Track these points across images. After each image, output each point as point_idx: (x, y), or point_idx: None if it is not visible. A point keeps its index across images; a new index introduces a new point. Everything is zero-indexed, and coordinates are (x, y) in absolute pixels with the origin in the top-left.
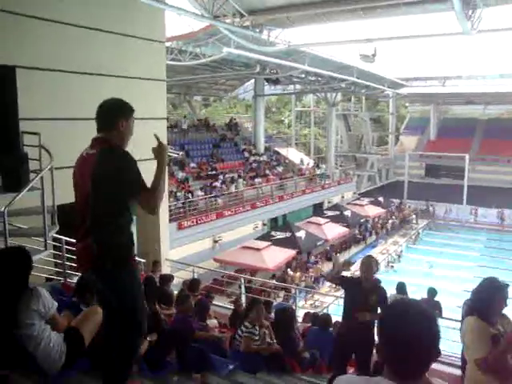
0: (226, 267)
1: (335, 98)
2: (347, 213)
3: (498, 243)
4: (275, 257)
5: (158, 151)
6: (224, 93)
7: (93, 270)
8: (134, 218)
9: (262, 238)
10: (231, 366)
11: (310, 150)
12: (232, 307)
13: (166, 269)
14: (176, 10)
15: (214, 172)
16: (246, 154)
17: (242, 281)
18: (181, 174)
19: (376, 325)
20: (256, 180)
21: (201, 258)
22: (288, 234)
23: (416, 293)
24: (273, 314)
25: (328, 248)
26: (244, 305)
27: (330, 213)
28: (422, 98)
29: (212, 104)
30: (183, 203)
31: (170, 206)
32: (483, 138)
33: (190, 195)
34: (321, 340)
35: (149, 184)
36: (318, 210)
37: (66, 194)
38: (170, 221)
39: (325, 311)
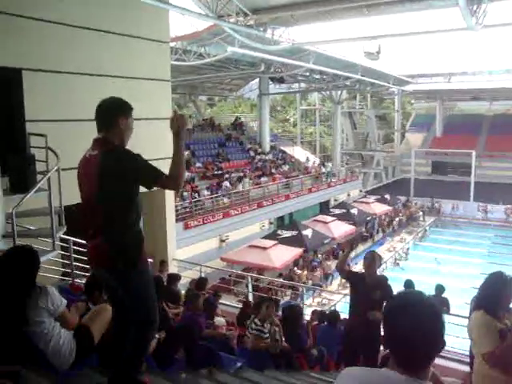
0: (233, 266)
1: (340, 96)
2: (354, 211)
3: (506, 240)
4: (282, 255)
5: (177, 118)
6: (229, 92)
7: (105, 268)
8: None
9: (269, 236)
10: (239, 364)
11: (315, 148)
12: (239, 306)
13: (172, 268)
14: (180, 10)
15: (219, 171)
16: (252, 153)
17: (249, 279)
18: (187, 174)
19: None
20: (262, 179)
21: (208, 257)
22: (295, 233)
23: (424, 290)
24: (280, 312)
25: (335, 246)
26: (252, 304)
27: (336, 211)
28: (427, 95)
29: (217, 104)
30: (189, 203)
31: (176, 206)
32: (489, 134)
33: (196, 195)
34: (329, 337)
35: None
36: (324, 208)
37: (73, 195)
38: (177, 221)
39: (332, 309)
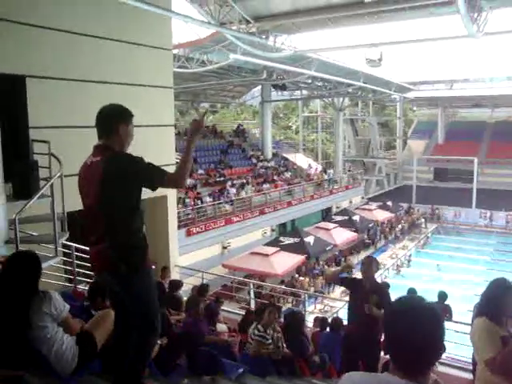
0: (235, 273)
1: (342, 103)
2: (356, 218)
3: (509, 246)
4: (284, 262)
5: (199, 123)
6: (231, 99)
7: (109, 273)
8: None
9: (271, 243)
10: (241, 370)
11: (317, 155)
12: (241, 312)
13: (174, 275)
14: (183, 17)
15: (222, 178)
16: (254, 160)
17: (251, 286)
18: (189, 181)
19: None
20: (264, 186)
21: (210, 264)
22: (297, 240)
23: (426, 297)
24: (282, 319)
25: (337, 253)
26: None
27: (338, 218)
28: (429, 102)
29: (219, 111)
30: (192, 210)
31: (178, 213)
32: (491, 140)
33: (199, 202)
34: (331, 343)
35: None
36: (326, 215)
37: (76, 201)
38: (179, 227)
39: (335, 316)
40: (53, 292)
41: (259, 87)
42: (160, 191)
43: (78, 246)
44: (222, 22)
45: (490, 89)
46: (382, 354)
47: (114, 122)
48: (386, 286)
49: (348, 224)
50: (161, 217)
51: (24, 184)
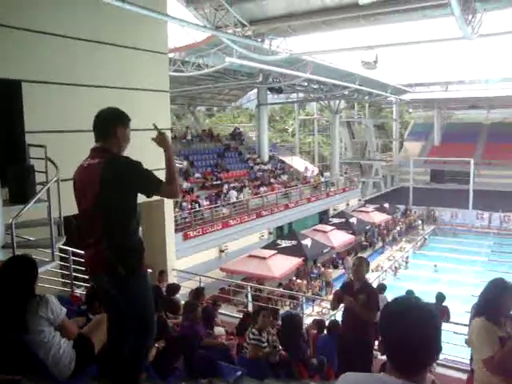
0: (233, 276)
1: (338, 106)
2: (353, 220)
3: (506, 247)
4: (281, 265)
5: (160, 138)
6: (227, 103)
7: (105, 275)
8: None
9: (268, 246)
10: (239, 373)
11: (314, 157)
12: (239, 316)
13: (172, 279)
14: (178, 21)
15: (218, 182)
16: (251, 163)
17: (249, 289)
18: (186, 184)
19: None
20: (261, 189)
21: (207, 267)
22: (294, 242)
23: (424, 298)
24: (280, 322)
25: (334, 255)
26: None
27: (335, 220)
28: (425, 104)
29: (216, 114)
30: (189, 213)
31: (175, 217)
32: (487, 142)
33: (196, 205)
34: (328, 346)
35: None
36: (323, 217)
37: (72, 206)
38: (176, 231)
39: (332, 318)
40: (49, 296)
41: (255, 90)
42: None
43: (74, 250)
44: (218, 25)
45: (485, 90)
46: (379, 355)
47: (111, 124)
48: (383, 287)
49: (345, 226)
50: (157, 221)
51: (20, 188)
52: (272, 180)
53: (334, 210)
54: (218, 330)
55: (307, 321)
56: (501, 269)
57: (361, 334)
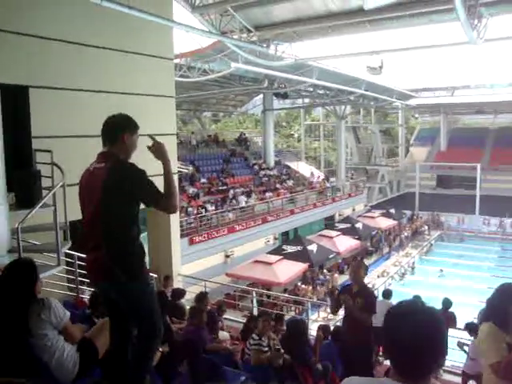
0: (238, 282)
1: (344, 111)
2: (358, 225)
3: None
4: (287, 271)
5: (156, 148)
6: (233, 108)
7: (107, 281)
8: (145, 233)
9: (274, 251)
10: (243, 378)
11: (320, 163)
12: (244, 321)
13: (177, 284)
14: (184, 27)
15: (224, 187)
16: (256, 169)
17: (254, 295)
18: (191, 190)
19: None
20: (267, 194)
21: (213, 272)
22: (299, 248)
23: (429, 304)
24: (285, 327)
25: (340, 261)
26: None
27: (341, 225)
28: (431, 109)
29: (222, 119)
30: (195, 218)
31: (181, 222)
32: (494, 147)
33: (203, 210)
34: (333, 352)
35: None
36: (329, 223)
37: (78, 211)
38: (182, 236)
39: (337, 324)
40: (52, 299)
41: (261, 96)
42: None
43: (80, 255)
44: (223, 31)
45: (491, 95)
46: (382, 360)
47: (119, 130)
48: (389, 293)
49: (351, 232)
50: (163, 225)
51: (27, 193)
52: (278, 185)
53: (340, 215)
54: (223, 335)
55: (312, 326)
56: (508, 274)
57: (361, 339)
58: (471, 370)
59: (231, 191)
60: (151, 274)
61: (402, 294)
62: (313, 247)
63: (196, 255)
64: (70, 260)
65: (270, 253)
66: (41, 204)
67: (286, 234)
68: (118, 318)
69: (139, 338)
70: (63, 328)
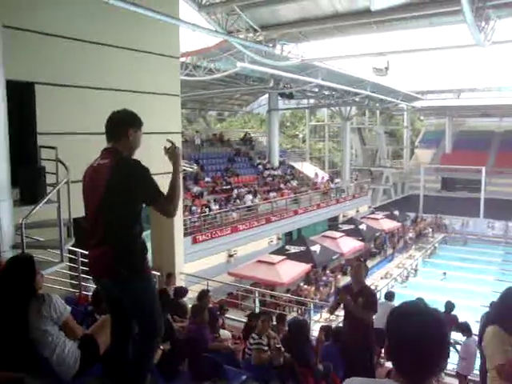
0: (241, 281)
1: (349, 112)
2: (362, 227)
3: None
4: (290, 271)
5: (172, 151)
6: (238, 107)
7: (109, 278)
8: (148, 231)
9: (277, 252)
10: (244, 377)
11: (324, 164)
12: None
13: (180, 282)
14: (190, 26)
15: (228, 186)
16: (261, 169)
17: (257, 294)
18: (196, 189)
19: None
20: (271, 194)
21: (216, 272)
22: (303, 248)
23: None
24: (287, 327)
25: (343, 262)
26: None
27: (345, 227)
28: (436, 111)
29: (227, 119)
30: (198, 217)
31: (184, 221)
32: (499, 150)
33: (207, 210)
34: (334, 353)
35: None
36: (332, 223)
37: (82, 207)
38: (185, 235)
39: (340, 325)
40: (53, 295)
41: (266, 96)
42: None
43: (83, 251)
44: (230, 30)
45: (498, 98)
46: (383, 361)
47: (123, 126)
48: (391, 295)
49: (355, 233)
50: (167, 224)
51: (31, 189)
52: (282, 185)
53: (344, 216)
54: (224, 334)
55: (315, 327)
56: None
57: (362, 339)
58: (464, 370)
59: (235, 191)
60: (154, 272)
61: (404, 296)
62: (316, 248)
63: (199, 254)
64: (72, 256)
65: (273, 253)
66: (45, 200)
67: (289, 234)
68: (119, 315)
69: (140, 335)
70: (63, 323)
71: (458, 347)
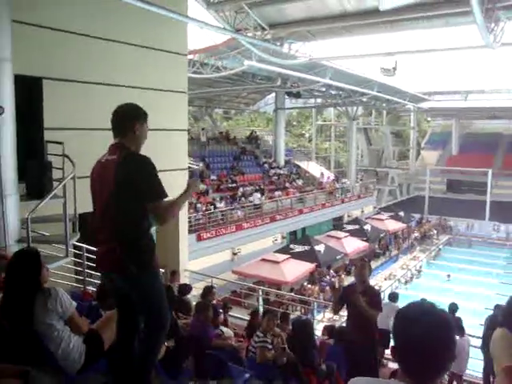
0: (245, 279)
1: (356, 112)
2: (367, 227)
3: None
4: (294, 270)
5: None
6: (245, 106)
7: (117, 273)
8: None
9: (281, 250)
10: (247, 375)
11: (330, 163)
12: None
13: (184, 279)
14: (199, 23)
15: (234, 184)
16: (266, 167)
17: (260, 293)
18: (201, 186)
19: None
20: (276, 193)
21: (220, 269)
22: (307, 248)
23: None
24: (290, 326)
25: (347, 262)
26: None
27: (349, 227)
28: (443, 113)
29: (233, 117)
30: (203, 215)
31: (189, 218)
32: (507, 152)
33: (212, 207)
34: (338, 352)
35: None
36: (337, 223)
37: (88, 203)
38: (190, 232)
39: (342, 325)
40: (59, 289)
41: (273, 94)
42: (171, 195)
43: (88, 247)
44: (238, 28)
45: (506, 100)
46: (386, 362)
47: (129, 120)
48: (395, 296)
49: (359, 233)
50: (172, 221)
51: (37, 184)
52: (287, 184)
53: (349, 216)
54: (227, 332)
55: (318, 327)
56: None
57: (366, 340)
58: (455, 367)
59: (240, 189)
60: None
61: (408, 297)
62: (320, 247)
63: (203, 251)
64: (78, 252)
65: (278, 252)
66: (51, 195)
67: (293, 233)
68: (127, 310)
69: (147, 331)
70: (69, 318)
71: None
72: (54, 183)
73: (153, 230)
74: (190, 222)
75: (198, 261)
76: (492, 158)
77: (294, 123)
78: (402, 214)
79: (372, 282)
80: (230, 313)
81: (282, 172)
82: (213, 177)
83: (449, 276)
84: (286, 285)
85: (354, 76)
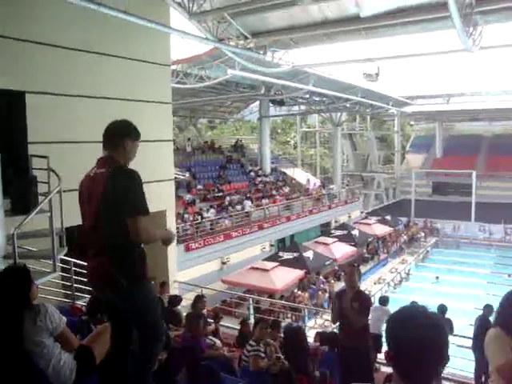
0: (235, 289)
1: (340, 118)
2: (355, 232)
3: (508, 259)
4: (283, 277)
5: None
6: (229, 115)
7: (109, 288)
8: None
9: (270, 258)
10: None
11: (316, 169)
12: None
13: (173, 290)
14: (181, 33)
15: (220, 194)
16: (253, 175)
17: (251, 301)
18: (188, 196)
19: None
20: (263, 201)
21: (209, 279)
22: (296, 255)
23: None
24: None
25: (336, 268)
26: (251, 325)
27: (337, 232)
28: (426, 116)
29: (218, 126)
30: (191, 225)
31: (177, 228)
32: (489, 154)
33: (199, 217)
34: (331, 358)
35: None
36: (325, 229)
37: (74, 217)
38: (178, 243)
39: (333, 331)
40: (49, 305)
41: (257, 103)
42: (158, 206)
43: (76, 261)
44: (220, 37)
45: (486, 102)
46: (381, 366)
47: (121, 135)
48: (385, 299)
49: (347, 238)
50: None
51: (23, 199)
52: (274, 192)
53: (336, 222)
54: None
55: (310, 333)
56: (503, 281)
57: (359, 345)
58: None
59: (227, 198)
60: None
61: (397, 300)
62: (309, 254)
63: (192, 262)
64: (65, 266)
65: (266, 259)
66: (37, 210)
67: (282, 240)
68: (119, 324)
69: (142, 344)
70: (60, 334)
71: None
72: (39, 197)
73: None
74: (177, 232)
75: (187, 271)
76: (475, 159)
77: (279, 130)
78: (388, 217)
79: (362, 286)
80: (220, 322)
81: (268, 180)
82: (199, 186)
83: (437, 278)
84: (276, 292)
85: (337, 82)
